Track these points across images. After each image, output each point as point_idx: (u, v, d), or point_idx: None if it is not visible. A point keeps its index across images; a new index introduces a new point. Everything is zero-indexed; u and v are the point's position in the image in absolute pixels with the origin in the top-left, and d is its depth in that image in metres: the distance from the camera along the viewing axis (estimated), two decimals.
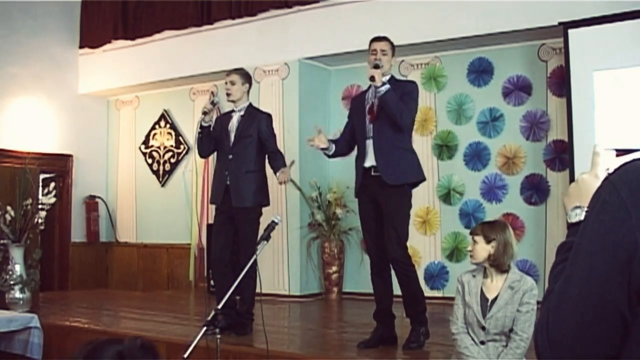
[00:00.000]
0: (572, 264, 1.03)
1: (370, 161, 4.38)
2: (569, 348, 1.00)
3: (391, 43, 4.52)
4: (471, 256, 3.30)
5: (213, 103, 5.01)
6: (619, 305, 0.97)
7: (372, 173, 4.36)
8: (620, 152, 1.20)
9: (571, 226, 1.17)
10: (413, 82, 4.62)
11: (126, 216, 9.14)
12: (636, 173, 1.00)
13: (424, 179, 4.55)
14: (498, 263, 3.21)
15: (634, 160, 1.03)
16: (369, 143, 4.39)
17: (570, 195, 1.21)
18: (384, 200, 4.32)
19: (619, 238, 0.97)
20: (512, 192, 6.47)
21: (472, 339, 3.22)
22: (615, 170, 1.04)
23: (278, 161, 4.97)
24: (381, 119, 4.34)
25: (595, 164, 1.20)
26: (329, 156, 4.72)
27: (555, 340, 1.01)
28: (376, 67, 4.33)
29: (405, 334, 4.36)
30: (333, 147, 4.60)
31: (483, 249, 3.23)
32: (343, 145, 4.69)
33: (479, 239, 3.24)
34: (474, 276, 3.30)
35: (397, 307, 4.48)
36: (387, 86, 4.29)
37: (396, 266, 4.34)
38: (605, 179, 1.04)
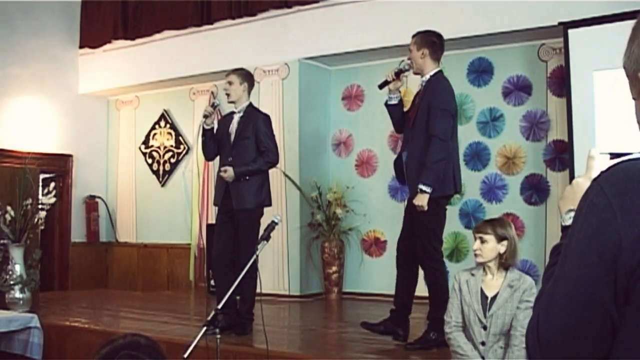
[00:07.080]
0: (561, 265, 1.04)
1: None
2: (559, 349, 1.01)
3: (417, 36, 4.40)
4: (477, 255, 3.18)
5: (213, 105, 5.01)
6: (607, 306, 0.97)
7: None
8: (615, 156, 1.20)
9: (565, 229, 1.17)
10: (446, 90, 4.36)
11: (126, 216, 9.14)
12: (622, 174, 1.01)
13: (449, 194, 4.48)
14: (507, 262, 3.18)
15: (621, 162, 1.04)
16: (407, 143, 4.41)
17: (565, 198, 1.22)
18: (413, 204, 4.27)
19: (604, 239, 0.98)
20: (512, 192, 6.47)
21: (473, 341, 3.21)
22: (603, 172, 1.04)
23: (262, 158, 4.86)
24: (417, 126, 4.28)
25: (590, 168, 1.21)
26: (388, 104, 4.50)
27: (545, 341, 1.02)
28: (398, 73, 4.35)
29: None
30: (396, 98, 4.47)
31: (493, 249, 3.17)
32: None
33: (490, 237, 3.16)
34: (472, 275, 3.26)
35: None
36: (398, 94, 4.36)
37: (422, 263, 4.31)
38: (593, 180, 1.05)
